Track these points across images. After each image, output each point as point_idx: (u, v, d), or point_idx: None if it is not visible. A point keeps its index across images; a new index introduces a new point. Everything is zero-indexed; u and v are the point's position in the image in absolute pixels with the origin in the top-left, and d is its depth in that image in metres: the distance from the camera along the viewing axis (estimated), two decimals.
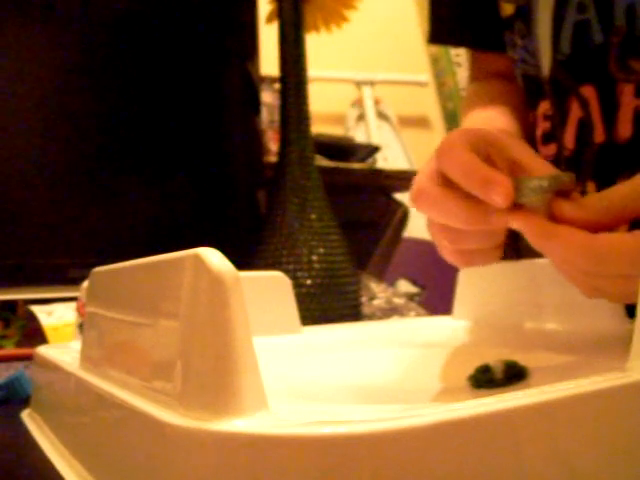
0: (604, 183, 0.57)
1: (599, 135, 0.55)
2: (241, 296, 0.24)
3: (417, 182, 0.41)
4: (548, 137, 0.61)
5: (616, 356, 0.30)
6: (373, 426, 0.21)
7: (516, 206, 0.37)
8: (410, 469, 0.21)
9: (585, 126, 0.56)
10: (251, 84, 1.06)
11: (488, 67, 0.70)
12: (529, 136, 0.63)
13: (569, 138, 0.57)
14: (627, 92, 0.53)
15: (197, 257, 0.25)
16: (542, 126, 0.62)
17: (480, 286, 0.56)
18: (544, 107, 0.61)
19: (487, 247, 0.43)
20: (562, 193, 0.38)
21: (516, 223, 0.37)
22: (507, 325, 0.52)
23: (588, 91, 0.55)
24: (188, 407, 0.24)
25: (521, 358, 0.44)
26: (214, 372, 0.23)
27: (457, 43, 0.78)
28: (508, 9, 0.61)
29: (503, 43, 0.64)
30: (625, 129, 0.53)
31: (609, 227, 0.37)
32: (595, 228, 0.36)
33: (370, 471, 0.20)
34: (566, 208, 0.37)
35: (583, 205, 0.37)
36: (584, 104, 0.56)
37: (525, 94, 0.64)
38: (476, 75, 0.73)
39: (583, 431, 0.24)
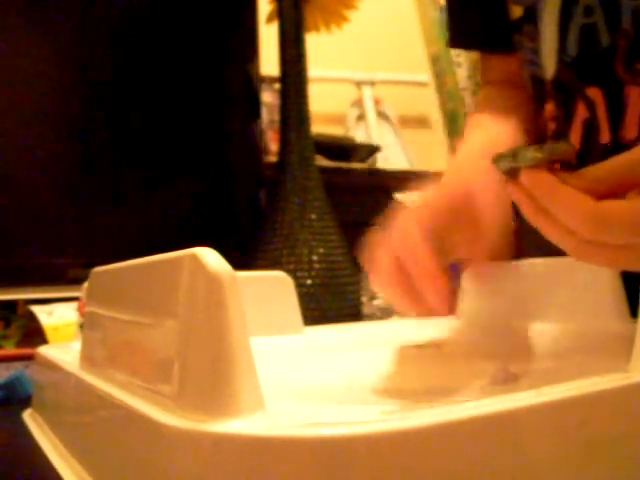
0: None
1: (605, 136, 0.55)
2: (238, 296, 0.24)
3: (378, 257, 0.46)
4: (555, 138, 0.61)
5: (618, 356, 0.30)
6: (371, 427, 0.21)
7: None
8: (409, 471, 0.21)
9: (591, 127, 0.56)
10: (251, 86, 1.06)
11: (501, 70, 0.70)
12: (538, 141, 0.63)
13: (575, 139, 0.58)
14: (634, 94, 0.53)
15: (194, 257, 0.25)
16: (550, 128, 0.62)
17: (483, 286, 0.56)
18: (550, 109, 0.61)
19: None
20: (563, 165, 0.38)
21: (524, 179, 0.37)
22: (509, 325, 0.52)
23: (594, 93, 0.55)
24: (185, 408, 0.24)
25: (523, 358, 0.44)
26: (210, 373, 0.23)
27: (475, 47, 0.78)
28: (517, 11, 0.61)
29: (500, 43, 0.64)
30: (632, 130, 0.54)
31: (607, 197, 0.37)
32: (594, 197, 0.36)
33: (369, 473, 0.20)
34: (563, 177, 0.37)
35: (581, 174, 0.37)
36: (590, 105, 0.56)
37: (533, 96, 0.64)
38: (488, 79, 0.73)
39: (584, 433, 0.24)
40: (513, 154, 0.37)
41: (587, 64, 0.56)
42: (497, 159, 0.37)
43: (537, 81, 0.62)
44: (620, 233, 0.35)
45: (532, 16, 0.59)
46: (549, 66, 0.58)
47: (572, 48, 0.56)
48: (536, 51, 0.60)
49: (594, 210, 0.35)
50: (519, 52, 0.63)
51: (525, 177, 0.37)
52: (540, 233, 0.38)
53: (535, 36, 0.59)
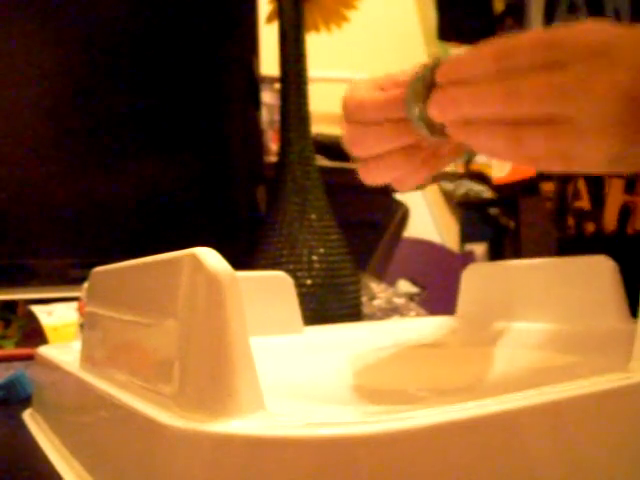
0: (595, 181, 0.58)
1: None
2: (238, 296, 0.24)
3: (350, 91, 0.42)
4: None
5: (618, 356, 0.30)
6: (371, 427, 0.21)
7: None
8: (408, 471, 0.21)
9: None
10: (252, 79, 1.06)
11: None
12: None
13: None
14: None
15: (194, 257, 0.25)
16: None
17: (483, 286, 0.56)
18: None
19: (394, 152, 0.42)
20: None
21: (434, 97, 0.36)
22: (509, 325, 0.52)
23: None
24: (185, 408, 0.24)
25: (523, 358, 0.44)
26: (210, 373, 0.23)
27: (462, 40, 0.79)
28: (499, 5, 0.62)
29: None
30: None
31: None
32: None
33: (367, 473, 0.20)
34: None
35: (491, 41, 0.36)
36: None
37: None
38: None
39: (584, 432, 0.24)
40: (409, 94, 0.38)
41: None
42: (406, 110, 0.38)
43: None
44: (524, 55, 0.33)
45: (514, 10, 0.59)
46: None
47: None
48: None
49: (496, 47, 0.33)
50: None
51: (435, 97, 0.36)
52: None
53: (517, 30, 0.60)
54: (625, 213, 0.56)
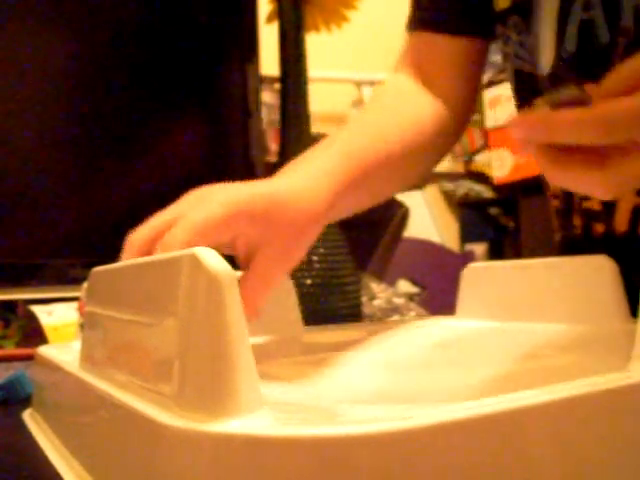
0: None
1: None
2: (238, 296, 0.24)
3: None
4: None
5: (618, 356, 0.30)
6: (371, 427, 0.21)
7: None
8: (408, 471, 0.21)
9: None
10: (252, 79, 1.06)
11: (448, 52, 0.67)
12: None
13: None
14: None
15: (194, 257, 0.25)
16: None
17: (483, 286, 0.56)
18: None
19: None
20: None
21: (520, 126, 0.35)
22: (509, 325, 0.52)
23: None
24: (185, 408, 0.24)
25: (523, 358, 0.44)
26: (210, 373, 0.23)
27: (435, 30, 0.73)
28: (503, 2, 0.61)
29: (479, 29, 0.64)
30: None
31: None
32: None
33: (367, 473, 0.20)
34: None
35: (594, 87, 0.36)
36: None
37: (515, 90, 0.64)
38: (403, 63, 0.72)
39: (584, 432, 0.24)
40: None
41: (585, 60, 0.55)
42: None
43: (523, 75, 0.61)
44: (628, 126, 0.33)
45: (522, 9, 0.59)
46: (545, 61, 0.58)
47: (571, 44, 0.56)
48: (523, 45, 0.60)
49: (591, 113, 0.33)
50: (502, 44, 0.63)
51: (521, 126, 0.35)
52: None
53: (523, 29, 0.59)
54: (637, 214, 0.56)
